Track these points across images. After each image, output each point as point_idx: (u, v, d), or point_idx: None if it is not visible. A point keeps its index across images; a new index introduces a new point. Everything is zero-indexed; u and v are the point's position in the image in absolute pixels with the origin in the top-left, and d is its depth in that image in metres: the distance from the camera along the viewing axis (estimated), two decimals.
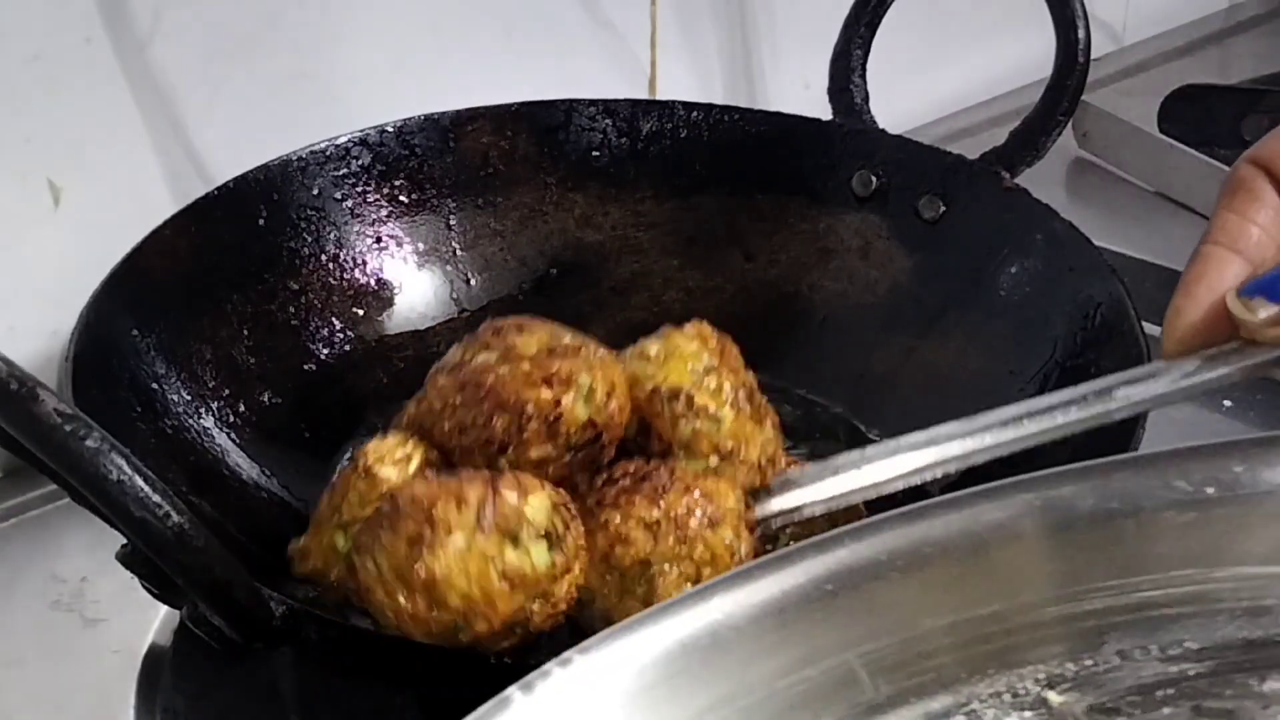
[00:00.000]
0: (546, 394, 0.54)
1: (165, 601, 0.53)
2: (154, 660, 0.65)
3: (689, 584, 0.53)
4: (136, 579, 0.51)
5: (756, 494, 0.57)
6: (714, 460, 0.56)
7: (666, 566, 0.53)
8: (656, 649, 0.37)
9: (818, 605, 0.38)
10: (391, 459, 0.55)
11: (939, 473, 0.55)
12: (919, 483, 0.55)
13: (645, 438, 0.56)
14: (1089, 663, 0.39)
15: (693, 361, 0.57)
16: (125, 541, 0.49)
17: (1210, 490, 0.40)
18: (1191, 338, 0.52)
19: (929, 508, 0.40)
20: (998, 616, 0.39)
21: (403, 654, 0.52)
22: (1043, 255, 0.71)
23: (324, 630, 0.52)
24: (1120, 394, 0.54)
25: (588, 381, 0.54)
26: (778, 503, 0.56)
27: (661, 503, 0.53)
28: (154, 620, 0.66)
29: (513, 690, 0.35)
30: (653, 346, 0.57)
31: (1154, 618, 0.40)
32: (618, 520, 0.53)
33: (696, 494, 0.54)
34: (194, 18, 0.79)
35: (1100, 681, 0.39)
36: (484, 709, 0.35)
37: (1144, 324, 0.64)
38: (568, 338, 0.57)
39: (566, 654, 0.36)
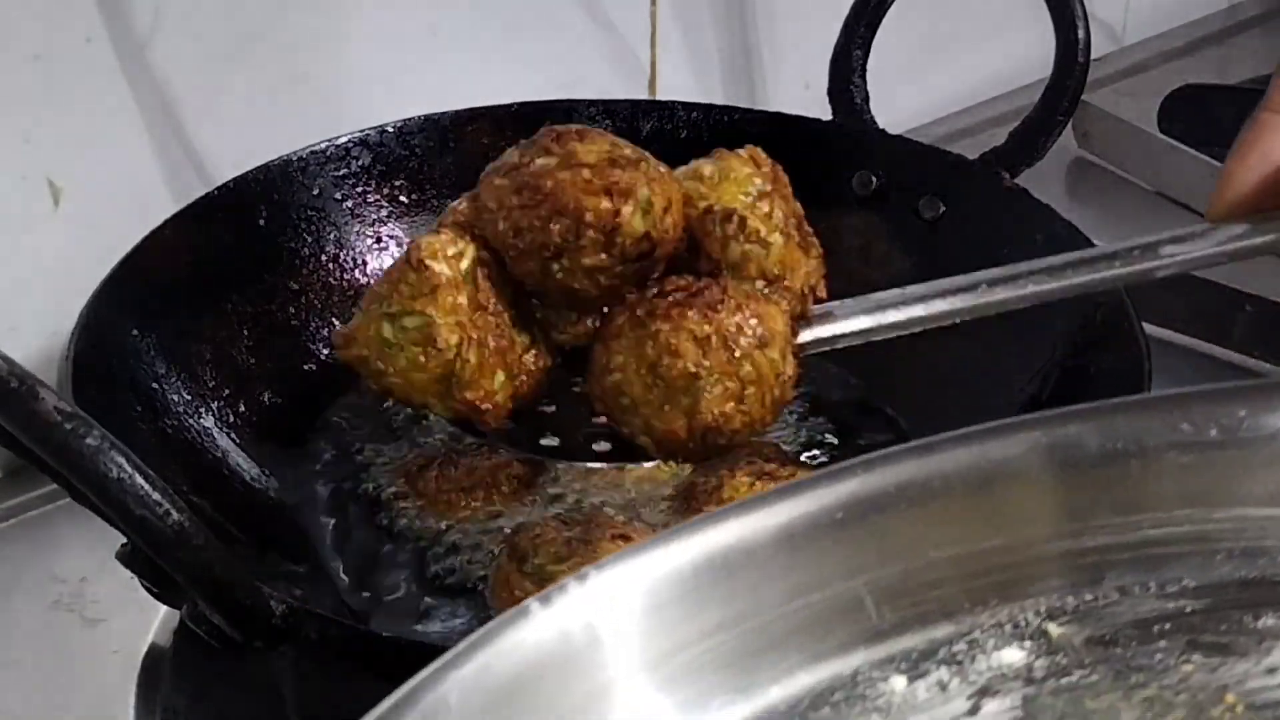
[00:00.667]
0: (606, 204, 0.55)
1: (165, 601, 0.53)
2: (154, 660, 0.65)
3: (732, 402, 0.54)
4: (136, 579, 0.51)
5: (797, 322, 0.57)
6: (760, 285, 0.57)
7: (713, 381, 0.54)
8: (670, 568, 0.38)
9: (827, 532, 0.39)
10: (444, 255, 0.56)
11: (976, 314, 0.57)
12: (954, 322, 0.58)
13: (694, 256, 0.57)
14: (1089, 597, 0.40)
15: (746, 185, 0.58)
16: (125, 541, 0.49)
17: (1213, 433, 0.41)
18: (1240, 203, 0.53)
19: (939, 443, 0.41)
20: (1001, 550, 0.40)
21: (403, 654, 0.52)
22: (1043, 255, 0.71)
23: (324, 630, 0.52)
24: (1166, 251, 0.55)
25: (646, 195, 0.55)
26: (816, 332, 0.58)
27: (714, 318, 0.54)
28: (154, 620, 0.66)
29: (531, 602, 0.36)
30: (707, 167, 0.59)
31: (1154, 555, 0.40)
32: (668, 330, 0.54)
33: (748, 313, 0.55)
34: (194, 18, 0.79)
35: (1099, 615, 0.40)
36: (503, 617, 0.35)
37: (1144, 324, 0.64)
38: (628, 150, 0.57)
39: (584, 570, 0.37)
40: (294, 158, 0.74)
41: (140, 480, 0.45)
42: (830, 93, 0.81)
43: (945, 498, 0.40)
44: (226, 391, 0.68)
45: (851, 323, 0.58)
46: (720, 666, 0.38)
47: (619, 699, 0.36)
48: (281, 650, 0.51)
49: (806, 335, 0.57)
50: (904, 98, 0.90)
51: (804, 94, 0.94)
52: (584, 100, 0.79)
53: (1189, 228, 0.55)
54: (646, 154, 0.57)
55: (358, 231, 0.76)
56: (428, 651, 0.52)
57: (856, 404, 0.74)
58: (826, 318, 0.58)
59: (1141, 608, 0.40)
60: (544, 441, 0.62)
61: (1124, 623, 0.40)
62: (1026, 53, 0.95)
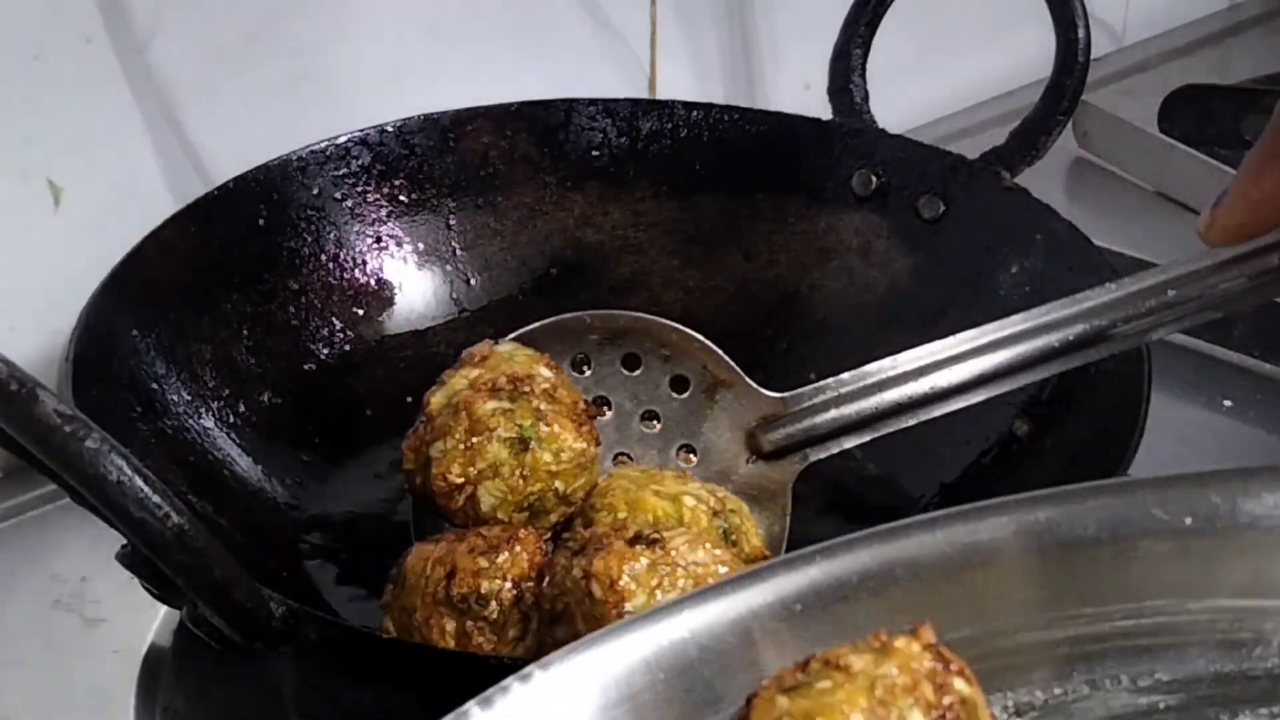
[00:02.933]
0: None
1: (165, 601, 0.53)
2: (154, 660, 0.65)
3: None
4: (136, 579, 0.51)
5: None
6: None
7: None
8: (620, 665, 0.37)
9: (785, 625, 0.38)
10: None
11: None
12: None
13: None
14: (1058, 691, 0.39)
15: None
16: (125, 541, 0.49)
17: (1188, 520, 0.40)
18: (1246, 225, 0.52)
19: (904, 527, 0.40)
20: (968, 641, 0.38)
21: (403, 654, 0.52)
22: (1043, 255, 0.71)
23: (324, 630, 0.52)
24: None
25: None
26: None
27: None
28: (154, 620, 0.66)
29: (471, 705, 0.35)
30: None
31: (1126, 648, 0.39)
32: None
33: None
34: (194, 18, 0.79)
35: (1069, 711, 0.39)
36: None
37: None
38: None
39: (527, 669, 0.36)
40: (294, 158, 0.74)
41: (140, 482, 0.45)
42: (830, 92, 0.81)
43: (909, 586, 0.39)
44: (226, 391, 0.68)
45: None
46: None
47: None
48: (281, 651, 0.51)
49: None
50: (904, 98, 0.90)
51: (804, 94, 0.94)
52: (584, 100, 0.79)
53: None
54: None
55: (358, 231, 0.76)
56: (428, 654, 0.52)
57: None
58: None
59: (1114, 702, 0.39)
60: None
61: (1095, 718, 0.39)
62: (1026, 53, 0.95)
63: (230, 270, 0.71)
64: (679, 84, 0.96)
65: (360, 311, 0.75)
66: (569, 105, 0.79)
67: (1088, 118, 1.02)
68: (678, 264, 0.79)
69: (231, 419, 0.67)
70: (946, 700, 0.35)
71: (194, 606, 0.49)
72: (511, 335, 0.61)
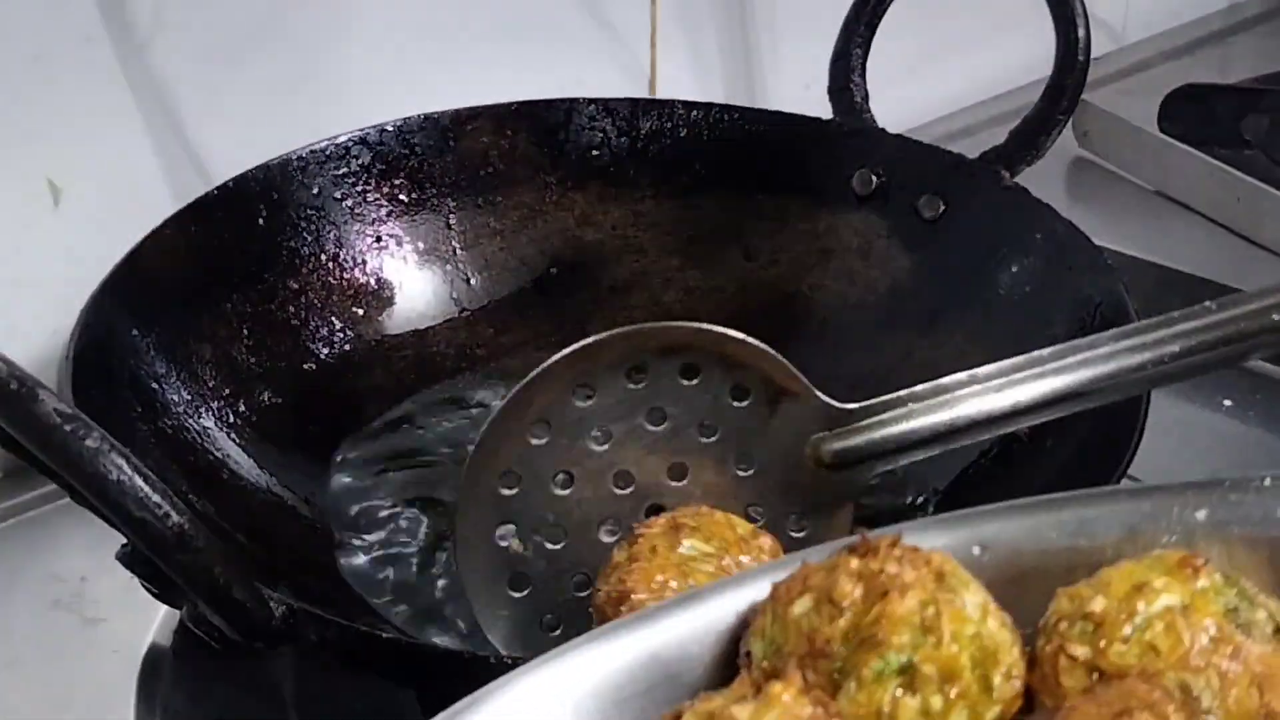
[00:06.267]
0: None
1: (165, 601, 0.53)
2: (154, 660, 0.65)
3: None
4: (136, 579, 0.51)
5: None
6: None
7: None
8: (614, 665, 0.37)
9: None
10: None
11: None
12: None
13: None
14: None
15: None
16: (125, 541, 0.49)
17: None
18: None
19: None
20: None
21: (403, 654, 0.52)
22: (1042, 255, 0.71)
23: (324, 630, 0.52)
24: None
25: None
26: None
27: None
28: (154, 620, 0.66)
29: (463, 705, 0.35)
30: None
31: None
32: None
33: None
34: (194, 18, 0.79)
35: None
36: None
37: None
38: None
39: (508, 676, 0.36)
40: (294, 157, 0.74)
41: (140, 482, 0.45)
42: (830, 92, 0.81)
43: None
44: (226, 391, 0.68)
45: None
46: None
47: None
48: (281, 651, 0.51)
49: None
50: (904, 97, 0.90)
51: (804, 94, 0.94)
52: (584, 100, 0.79)
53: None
54: None
55: (358, 231, 0.76)
56: (428, 653, 0.52)
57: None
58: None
59: None
60: None
61: None
62: (1026, 52, 0.95)
63: (230, 270, 0.71)
64: (679, 84, 0.96)
65: (360, 311, 0.75)
66: (569, 105, 0.79)
67: (1088, 117, 1.02)
68: (678, 264, 0.79)
69: (231, 419, 0.67)
70: None
71: (194, 606, 0.49)
72: (568, 350, 0.56)
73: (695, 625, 0.39)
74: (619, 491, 0.57)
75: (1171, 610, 0.38)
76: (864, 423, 0.57)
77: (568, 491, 0.57)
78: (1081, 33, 0.75)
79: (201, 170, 0.80)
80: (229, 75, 0.81)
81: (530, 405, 0.56)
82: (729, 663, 0.39)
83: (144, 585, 0.52)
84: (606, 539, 0.57)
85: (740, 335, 0.58)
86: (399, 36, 0.86)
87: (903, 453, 0.57)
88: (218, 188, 0.72)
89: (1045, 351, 0.56)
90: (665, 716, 0.36)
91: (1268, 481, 0.41)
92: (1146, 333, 0.56)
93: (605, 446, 0.57)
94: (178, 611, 0.55)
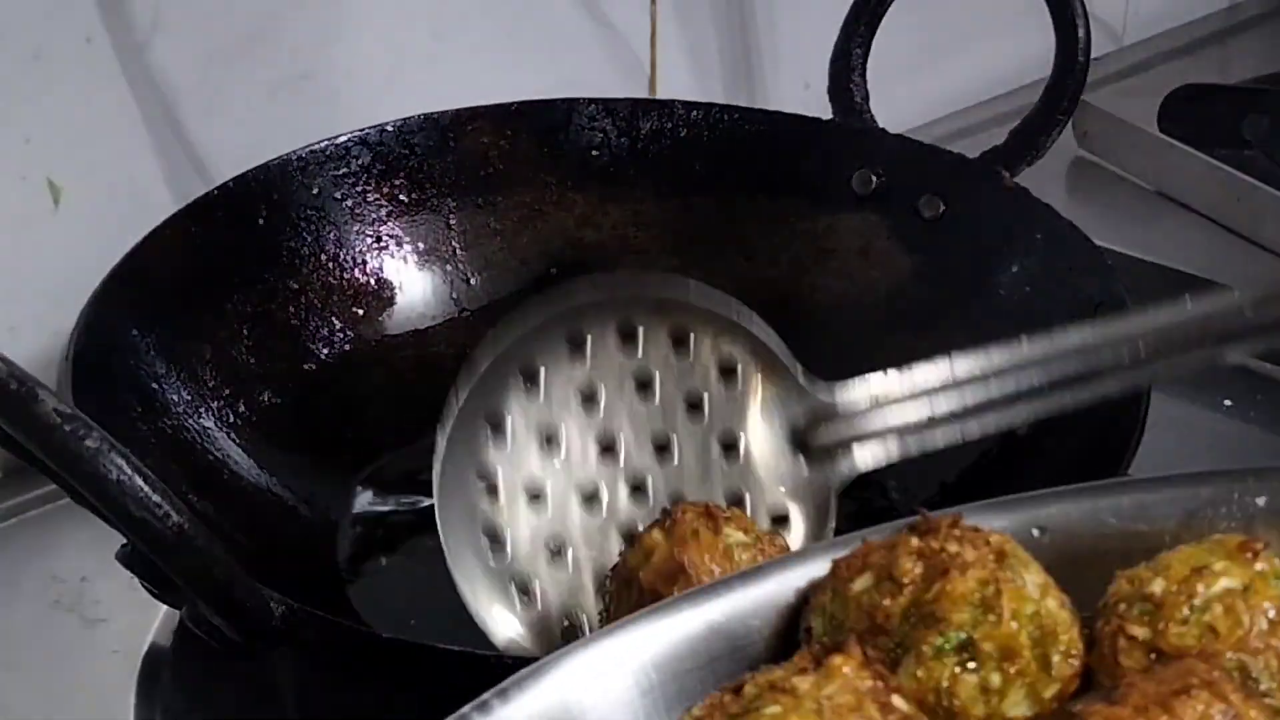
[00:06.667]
0: None
1: (165, 601, 0.53)
2: (154, 660, 0.65)
3: None
4: (136, 579, 0.51)
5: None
6: None
7: None
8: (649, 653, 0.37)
9: None
10: None
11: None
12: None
13: None
14: None
15: None
16: (125, 541, 0.49)
17: None
18: None
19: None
20: None
21: (403, 654, 0.52)
22: (1043, 255, 0.71)
23: (324, 630, 0.52)
24: None
25: None
26: None
27: None
28: (154, 620, 0.66)
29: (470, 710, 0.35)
30: None
31: None
32: None
33: None
34: (194, 18, 0.79)
35: None
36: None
37: None
38: None
39: (570, 646, 0.37)
40: (294, 157, 0.74)
41: (140, 482, 0.45)
42: (830, 92, 0.81)
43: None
44: (226, 391, 0.68)
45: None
46: None
47: None
48: (281, 651, 0.51)
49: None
50: (904, 97, 0.90)
51: (804, 94, 0.94)
52: (584, 100, 0.79)
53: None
54: None
55: (358, 231, 0.76)
56: (428, 653, 0.52)
57: None
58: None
59: None
60: None
61: None
62: (1026, 53, 0.95)
63: (230, 270, 0.71)
64: (679, 84, 0.96)
65: (360, 311, 0.75)
66: (569, 105, 0.79)
67: (1088, 118, 1.02)
68: (678, 264, 0.79)
69: (231, 419, 0.67)
70: (891, 719, 0.35)
71: (194, 606, 0.49)
72: (563, 298, 0.57)
73: (757, 600, 0.39)
74: (603, 464, 0.57)
75: (1231, 593, 0.39)
76: (847, 409, 0.57)
77: (552, 455, 0.57)
78: (1081, 33, 0.74)
79: (201, 170, 0.80)
80: (229, 75, 0.81)
81: (524, 354, 0.56)
82: (789, 638, 0.39)
83: (144, 585, 0.52)
84: (587, 510, 0.57)
85: (729, 299, 0.58)
86: (399, 36, 0.86)
87: (880, 439, 0.57)
88: (218, 188, 0.72)
89: (1033, 343, 0.56)
90: (726, 687, 0.36)
91: None
92: (1133, 322, 0.55)
93: (593, 413, 0.57)
94: (178, 611, 0.55)
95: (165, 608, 0.62)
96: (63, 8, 0.75)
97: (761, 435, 0.58)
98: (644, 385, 0.58)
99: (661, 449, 0.58)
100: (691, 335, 0.57)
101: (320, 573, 0.65)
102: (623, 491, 0.57)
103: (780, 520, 0.58)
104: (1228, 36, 1.21)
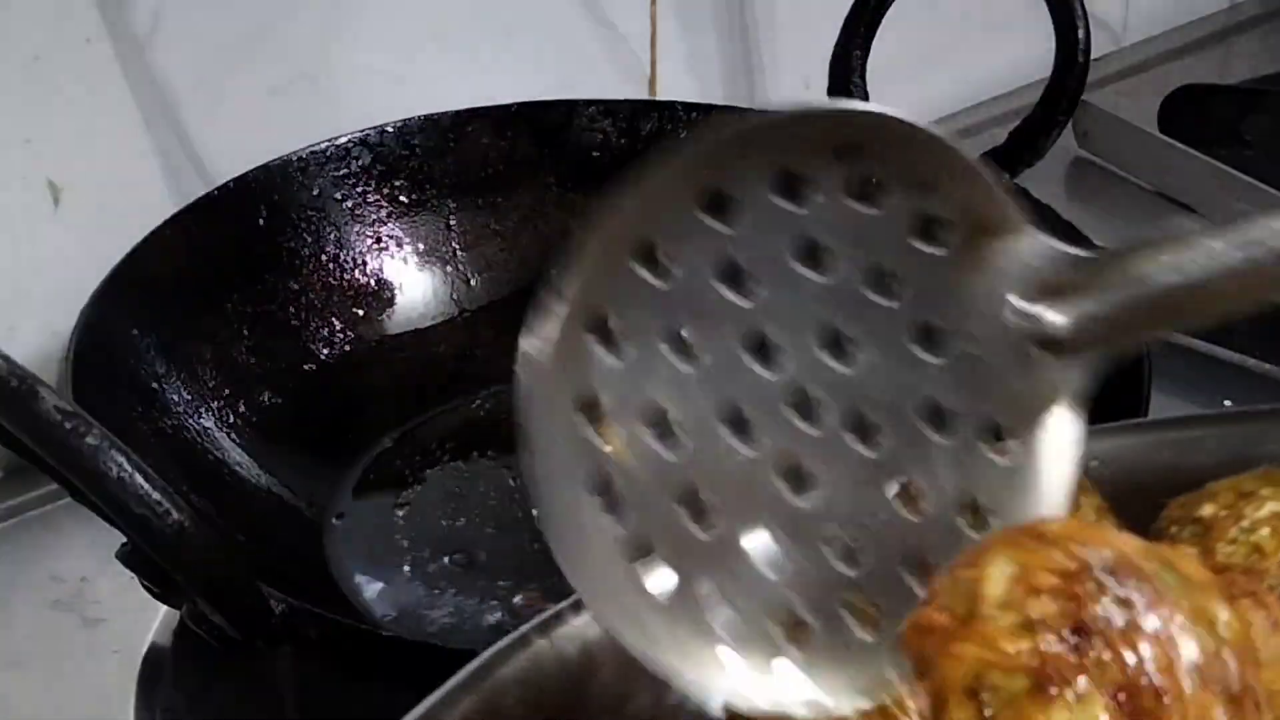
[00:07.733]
0: None
1: (165, 601, 0.53)
2: (154, 660, 0.65)
3: None
4: (136, 579, 0.51)
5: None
6: None
7: None
8: None
9: None
10: None
11: None
12: None
13: None
14: None
15: None
16: (125, 541, 0.49)
17: None
18: None
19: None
20: None
21: (403, 654, 0.52)
22: None
23: (324, 630, 0.52)
24: None
25: None
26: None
27: None
28: (154, 620, 0.66)
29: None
30: None
31: None
32: None
33: None
34: (194, 18, 0.79)
35: None
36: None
37: None
38: None
39: None
40: (294, 158, 0.74)
41: (140, 479, 0.45)
42: (830, 92, 0.81)
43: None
44: (226, 391, 0.68)
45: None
46: None
47: None
48: (281, 650, 0.51)
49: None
50: (904, 98, 0.90)
51: (804, 94, 0.94)
52: (584, 100, 0.79)
53: None
54: None
55: (358, 231, 0.76)
56: (429, 652, 0.52)
57: None
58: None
59: None
60: None
61: None
62: (1026, 53, 0.95)
63: (230, 270, 0.71)
64: (679, 84, 0.96)
65: (360, 311, 0.75)
66: (569, 105, 0.79)
67: (1088, 118, 1.02)
68: None
69: (231, 419, 0.68)
70: None
71: (194, 605, 0.49)
72: (700, 136, 0.36)
73: None
74: (759, 370, 0.37)
75: (1277, 515, 0.41)
76: (1108, 274, 0.39)
77: (685, 363, 0.37)
78: (1081, 33, 0.74)
79: (201, 170, 0.80)
80: (229, 75, 0.81)
81: (637, 219, 0.37)
82: None
83: (144, 585, 0.52)
84: (739, 444, 0.37)
85: (934, 130, 0.37)
86: (399, 37, 0.86)
87: (1160, 315, 0.39)
88: (218, 188, 0.72)
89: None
90: None
91: None
92: None
93: (742, 298, 0.37)
94: (178, 611, 0.55)
95: (165, 608, 0.62)
96: (63, 8, 0.75)
97: (976, 324, 0.39)
98: (810, 252, 0.38)
99: (835, 348, 0.38)
100: (881, 179, 0.38)
101: (320, 572, 0.65)
102: (783, 415, 0.38)
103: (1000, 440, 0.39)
104: (1228, 36, 1.21)
